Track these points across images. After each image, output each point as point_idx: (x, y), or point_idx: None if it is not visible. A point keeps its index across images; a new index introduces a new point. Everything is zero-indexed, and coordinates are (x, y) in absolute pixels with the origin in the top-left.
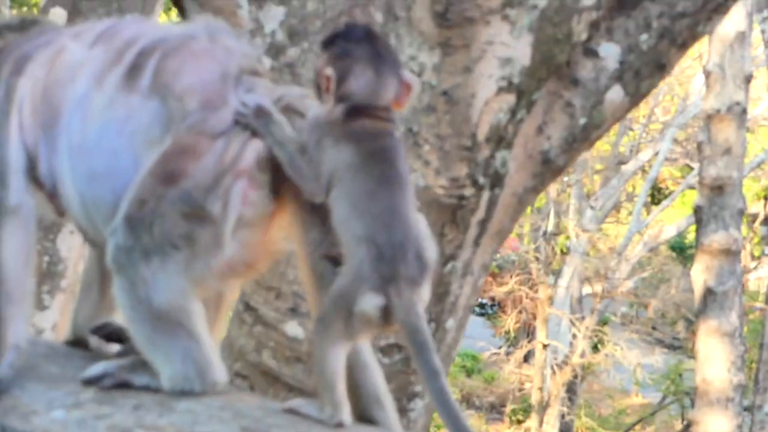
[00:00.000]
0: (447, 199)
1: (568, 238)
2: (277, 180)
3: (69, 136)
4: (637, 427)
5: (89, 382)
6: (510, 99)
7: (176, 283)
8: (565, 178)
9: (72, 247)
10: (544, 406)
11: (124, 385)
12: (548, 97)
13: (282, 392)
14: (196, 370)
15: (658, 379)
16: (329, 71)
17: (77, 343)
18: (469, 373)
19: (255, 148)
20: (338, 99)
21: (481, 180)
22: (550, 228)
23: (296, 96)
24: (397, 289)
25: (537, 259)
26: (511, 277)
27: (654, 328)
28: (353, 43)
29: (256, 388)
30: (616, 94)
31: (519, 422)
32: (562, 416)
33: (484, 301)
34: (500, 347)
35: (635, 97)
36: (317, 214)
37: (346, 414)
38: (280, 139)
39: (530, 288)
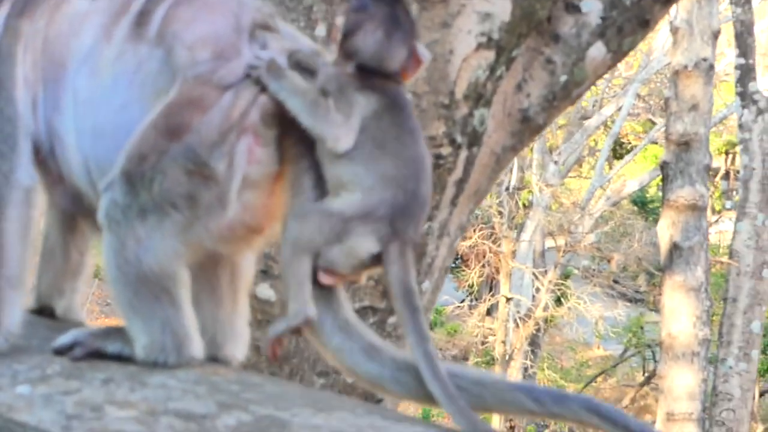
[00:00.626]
0: None
1: (530, 192)
2: (282, 139)
3: (74, 92)
4: (599, 379)
5: (59, 351)
6: (489, 55)
7: (170, 246)
8: None
9: None
10: (507, 359)
11: (95, 355)
12: (528, 53)
13: (253, 356)
14: (173, 342)
15: (619, 332)
16: (338, 21)
17: (42, 311)
18: (432, 326)
19: (261, 103)
20: (344, 54)
21: (459, 139)
22: (513, 182)
23: (307, 52)
24: (401, 246)
25: (500, 213)
26: (474, 231)
27: (616, 282)
28: (372, 2)
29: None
30: (597, 51)
31: None
32: (525, 369)
33: None
34: (463, 300)
35: (617, 54)
36: (312, 177)
37: (312, 310)
38: (294, 89)
39: (493, 242)
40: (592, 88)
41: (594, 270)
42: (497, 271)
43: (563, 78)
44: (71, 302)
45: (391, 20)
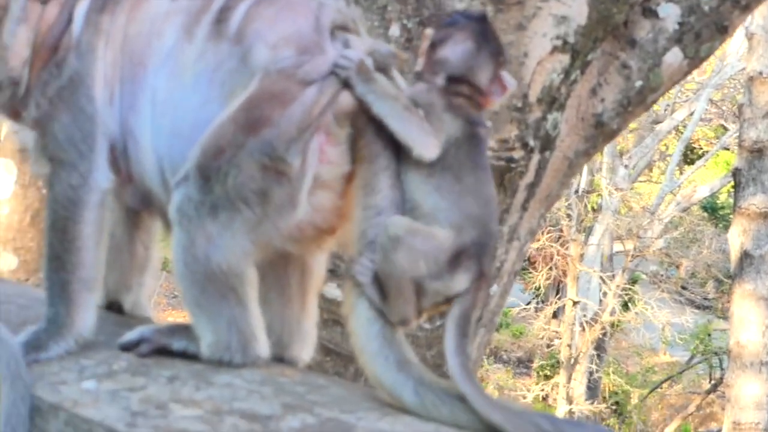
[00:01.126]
0: (495, 162)
1: (600, 196)
2: (356, 139)
3: (153, 91)
4: (665, 385)
5: (125, 348)
6: (564, 59)
7: (239, 244)
8: None
9: None
10: (572, 363)
11: (161, 352)
12: (603, 58)
13: (319, 356)
14: (239, 341)
15: (686, 338)
16: (429, 32)
17: (110, 306)
18: (498, 327)
19: (336, 102)
20: (432, 65)
21: (532, 142)
22: (582, 185)
23: (385, 53)
24: (482, 284)
25: (569, 216)
26: (542, 234)
27: (684, 288)
28: (464, 18)
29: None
30: (674, 57)
31: (546, 378)
32: (590, 373)
33: None
34: (529, 303)
35: (694, 60)
36: (390, 177)
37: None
38: (386, 94)
39: (561, 245)
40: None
41: (662, 275)
42: (564, 274)
43: (638, 83)
44: (138, 297)
45: (481, 34)
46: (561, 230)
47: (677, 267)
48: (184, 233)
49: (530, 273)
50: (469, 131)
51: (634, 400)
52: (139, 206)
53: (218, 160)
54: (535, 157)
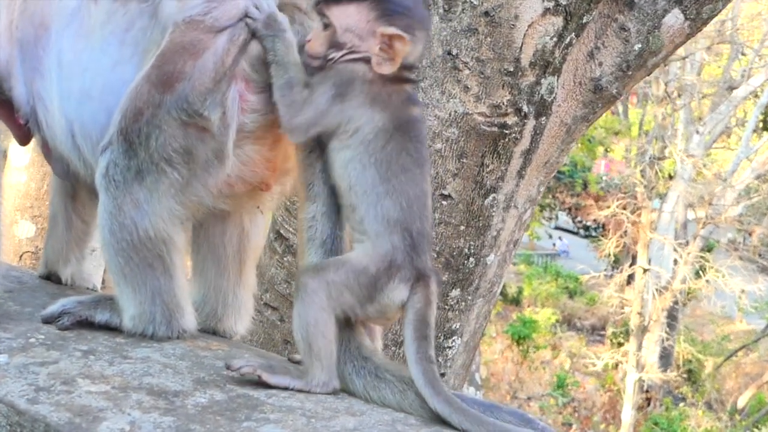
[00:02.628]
0: (488, 128)
1: (674, 162)
2: None
3: (58, 54)
4: (740, 354)
5: (47, 320)
6: (557, 21)
7: (167, 207)
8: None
9: None
10: (642, 330)
11: (84, 324)
12: (601, 20)
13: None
14: (163, 313)
15: (762, 306)
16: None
17: (49, 277)
18: (572, 294)
19: (250, 48)
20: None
21: (526, 108)
22: (653, 152)
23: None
24: (425, 282)
25: (641, 183)
26: (614, 200)
27: (760, 256)
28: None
29: (287, 321)
30: (674, 19)
31: (619, 345)
32: (663, 341)
33: (588, 223)
34: (604, 270)
35: (696, 22)
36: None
37: (338, 382)
38: (283, 60)
39: (632, 212)
40: (742, 57)
41: (737, 243)
42: (635, 241)
43: (638, 46)
44: (79, 269)
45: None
46: (634, 197)
47: (750, 234)
48: (111, 200)
49: (601, 240)
50: (399, 120)
51: (708, 369)
52: (64, 176)
53: (138, 122)
54: (530, 123)
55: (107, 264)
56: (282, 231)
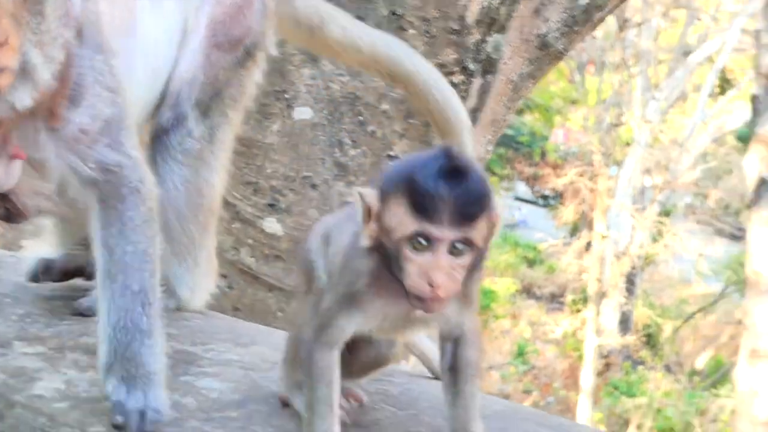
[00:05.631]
0: None
1: (631, 129)
2: None
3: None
4: (698, 316)
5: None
6: None
7: (227, 158)
8: (631, 70)
9: None
10: (601, 296)
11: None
12: None
13: (261, 291)
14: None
15: (719, 269)
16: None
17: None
18: (531, 263)
19: None
20: None
21: (472, 66)
22: (613, 120)
23: None
24: None
25: (599, 150)
26: (571, 168)
27: (717, 219)
28: None
29: (235, 288)
30: None
31: (578, 312)
32: (621, 306)
33: (547, 192)
34: (562, 237)
35: None
36: None
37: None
38: None
39: (590, 180)
40: (697, 22)
41: (695, 207)
42: (592, 209)
43: (584, 1)
44: None
45: None
46: (592, 164)
47: (706, 198)
48: (187, 169)
49: (559, 209)
50: None
51: (667, 333)
52: None
53: (214, 88)
54: (477, 82)
55: (175, 241)
56: (229, 198)
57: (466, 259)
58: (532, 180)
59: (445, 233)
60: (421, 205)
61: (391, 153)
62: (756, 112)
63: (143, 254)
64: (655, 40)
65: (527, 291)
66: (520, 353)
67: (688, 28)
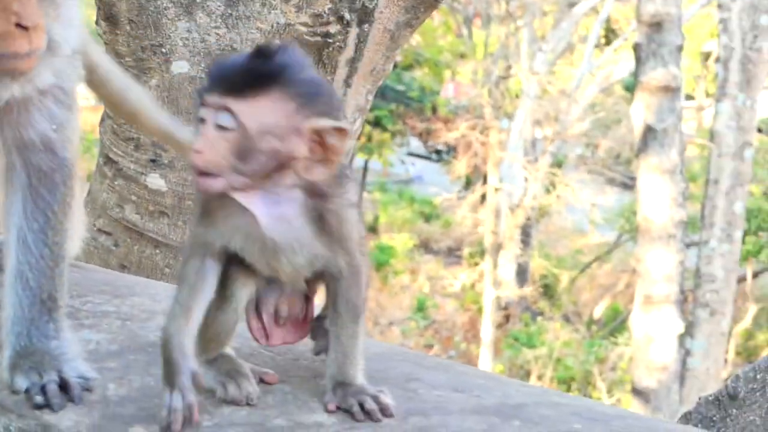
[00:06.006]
0: (311, 38)
1: (520, 81)
2: None
3: None
4: (594, 266)
5: None
6: None
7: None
8: (517, 23)
9: None
10: (497, 249)
11: None
12: None
13: (148, 248)
14: None
15: (612, 218)
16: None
17: None
18: (427, 218)
19: None
20: None
21: (348, 15)
22: (501, 73)
23: None
24: None
25: (489, 103)
26: (462, 122)
27: (609, 169)
28: None
29: (122, 246)
30: None
31: (476, 265)
32: (517, 258)
33: (440, 147)
34: (457, 191)
35: None
36: None
37: None
38: None
39: (481, 133)
40: None
41: (586, 157)
42: (485, 162)
43: None
44: None
45: None
46: (483, 118)
47: (597, 148)
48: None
49: (453, 163)
50: None
51: (564, 283)
52: None
53: None
54: (353, 31)
55: None
56: (111, 155)
57: (231, 136)
58: (424, 135)
59: (210, 99)
60: (208, 75)
61: None
62: (639, 61)
63: (60, 254)
64: None
65: (425, 246)
66: (420, 308)
67: None
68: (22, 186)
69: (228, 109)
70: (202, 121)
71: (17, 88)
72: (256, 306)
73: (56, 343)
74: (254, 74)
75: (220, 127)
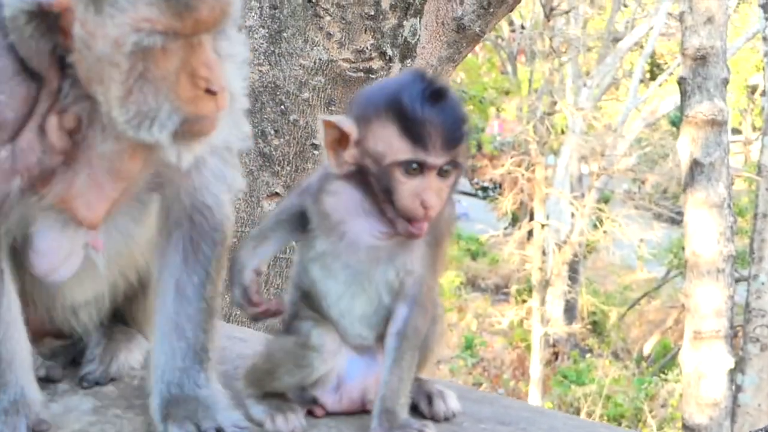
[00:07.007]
0: (354, 73)
1: (565, 117)
2: None
3: None
4: (643, 302)
5: None
6: None
7: None
8: (561, 58)
9: None
10: (545, 285)
11: None
12: None
13: None
14: None
15: (660, 253)
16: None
17: None
18: (474, 255)
19: None
20: None
21: (390, 51)
22: (546, 108)
23: None
24: None
25: (534, 139)
26: (508, 158)
27: (656, 204)
28: None
29: None
30: None
31: (524, 302)
32: (565, 295)
33: (485, 184)
34: (504, 228)
35: None
36: None
37: None
38: None
39: (527, 169)
40: (624, 9)
41: (633, 193)
42: (531, 198)
43: None
44: None
45: None
46: (528, 154)
47: (643, 183)
48: None
49: (498, 200)
50: None
51: (612, 319)
52: None
53: None
54: (396, 67)
55: None
56: None
57: (452, 179)
58: (470, 172)
59: (438, 159)
60: (414, 131)
61: (315, 141)
62: (684, 95)
63: (214, 308)
64: (584, 27)
65: (472, 283)
66: (468, 346)
67: (615, 15)
68: (184, 239)
69: (454, 161)
70: (414, 172)
71: (198, 148)
72: None
73: (208, 392)
74: (463, 125)
75: (443, 175)
